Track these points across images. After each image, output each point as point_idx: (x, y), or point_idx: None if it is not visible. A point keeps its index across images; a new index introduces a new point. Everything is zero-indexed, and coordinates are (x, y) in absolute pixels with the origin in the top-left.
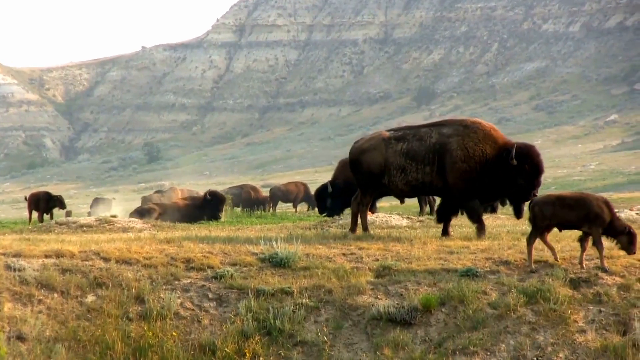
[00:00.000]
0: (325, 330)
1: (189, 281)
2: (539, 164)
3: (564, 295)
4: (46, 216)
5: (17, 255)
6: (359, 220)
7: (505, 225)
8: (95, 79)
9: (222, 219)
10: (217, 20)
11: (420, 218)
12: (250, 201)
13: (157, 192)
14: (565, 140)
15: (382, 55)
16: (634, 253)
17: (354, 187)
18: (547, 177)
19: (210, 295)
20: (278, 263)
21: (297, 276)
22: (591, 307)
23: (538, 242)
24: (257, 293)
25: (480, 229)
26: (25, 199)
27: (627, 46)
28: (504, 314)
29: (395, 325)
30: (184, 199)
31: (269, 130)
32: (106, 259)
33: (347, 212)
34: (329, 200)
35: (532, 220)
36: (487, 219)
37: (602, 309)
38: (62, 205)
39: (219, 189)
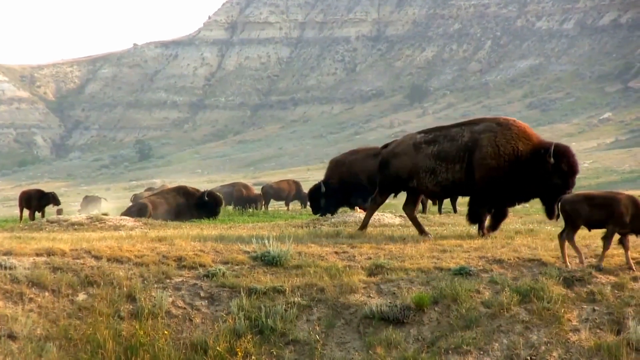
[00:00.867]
0: (318, 329)
1: (180, 280)
2: (575, 164)
3: (557, 294)
4: (37, 214)
5: (8, 253)
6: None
7: None
8: (87, 76)
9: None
10: (209, 18)
11: None
12: (242, 199)
13: (148, 190)
14: (559, 138)
15: (374, 53)
16: None
17: (347, 186)
18: None
19: (202, 294)
20: (270, 261)
21: (289, 275)
22: (585, 306)
23: (533, 241)
24: (249, 291)
25: (494, 229)
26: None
27: (621, 44)
28: (497, 313)
29: (387, 324)
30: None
31: (261, 128)
32: (97, 257)
33: (340, 210)
34: (322, 200)
35: (567, 218)
36: None
37: (596, 308)
38: (56, 201)
39: (211, 186)
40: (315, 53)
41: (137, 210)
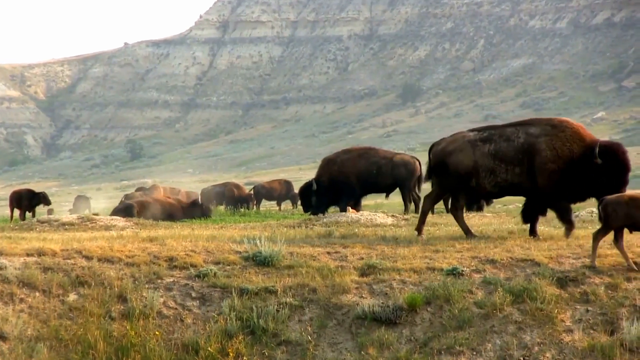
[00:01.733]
0: (310, 329)
1: (171, 280)
2: (625, 162)
3: (550, 294)
4: (28, 214)
5: None
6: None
7: (492, 223)
8: (78, 75)
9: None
10: (201, 17)
11: (406, 216)
12: (234, 199)
13: (139, 189)
14: None
15: (367, 52)
16: None
17: (338, 185)
18: None
19: (193, 294)
20: (262, 262)
21: (281, 275)
22: (578, 307)
23: (526, 241)
24: (240, 292)
25: (570, 229)
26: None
27: (614, 43)
28: (490, 314)
29: (380, 324)
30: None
31: (253, 128)
32: (88, 258)
33: (332, 210)
34: (313, 198)
35: (604, 219)
36: (473, 217)
37: (590, 309)
38: (46, 201)
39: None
40: (307, 52)
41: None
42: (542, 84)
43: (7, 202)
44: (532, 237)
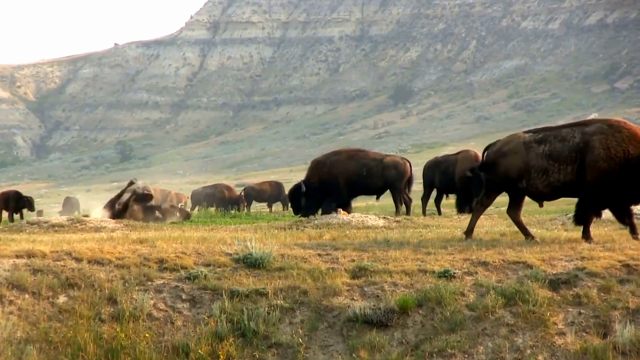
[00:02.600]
0: (301, 332)
1: (162, 282)
2: None
3: (543, 296)
4: (16, 216)
5: None
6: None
7: (484, 225)
8: (67, 76)
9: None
10: (191, 17)
11: (397, 218)
12: (224, 201)
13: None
14: None
15: (358, 53)
16: None
17: (328, 186)
18: None
19: (183, 296)
20: (252, 264)
21: (272, 277)
22: (571, 309)
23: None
24: (231, 294)
25: (633, 231)
26: None
27: (607, 44)
28: (482, 316)
29: (371, 327)
30: None
31: (244, 129)
32: (78, 259)
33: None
34: (303, 200)
35: None
36: (465, 219)
37: (582, 311)
38: (31, 207)
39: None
40: (298, 53)
41: None
42: (534, 86)
43: None
44: (584, 239)
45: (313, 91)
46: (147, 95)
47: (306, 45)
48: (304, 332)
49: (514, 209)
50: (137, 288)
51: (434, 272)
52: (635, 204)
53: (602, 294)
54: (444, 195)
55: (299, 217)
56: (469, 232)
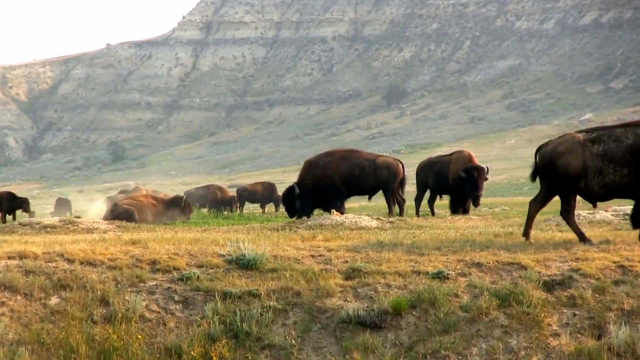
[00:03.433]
0: (294, 333)
1: (154, 283)
2: None
3: (537, 298)
4: (8, 217)
5: None
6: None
7: (478, 226)
8: (59, 77)
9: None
10: (184, 17)
11: (390, 219)
12: (217, 202)
13: (121, 192)
14: (539, 139)
15: (351, 53)
16: None
17: (321, 187)
18: (520, 177)
19: (176, 298)
20: (245, 265)
21: (265, 278)
22: (565, 311)
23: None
24: (223, 295)
25: None
26: None
27: (602, 44)
28: (475, 317)
29: (364, 328)
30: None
31: (236, 130)
32: (70, 261)
33: (317, 213)
34: (297, 202)
35: None
36: (459, 220)
37: (577, 312)
38: (26, 208)
39: (185, 189)
40: (291, 53)
41: None
42: (528, 86)
43: None
44: None
45: (306, 91)
46: (139, 95)
47: (299, 45)
48: (297, 333)
49: (567, 211)
50: (129, 289)
51: (427, 273)
52: None
53: (596, 295)
54: (438, 196)
55: (294, 219)
56: (526, 234)
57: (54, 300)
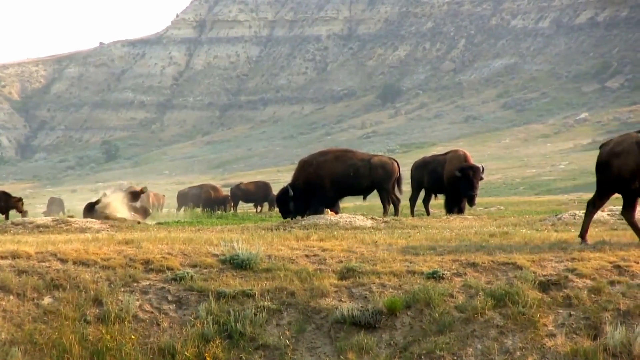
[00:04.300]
0: (288, 333)
1: (147, 283)
2: None
3: (533, 298)
4: (1, 216)
5: None
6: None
7: (473, 226)
8: (52, 75)
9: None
10: (177, 16)
11: (385, 219)
12: (211, 201)
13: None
14: (534, 139)
15: (346, 52)
16: None
17: (315, 187)
18: (515, 176)
19: (169, 298)
20: (239, 265)
21: (259, 278)
22: (561, 311)
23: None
24: (217, 295)
25: None
26: None
27: (598, 43)
28: (471, 318)
29: (359, 328)
30: None
31: (230, 129)
32: (63, 260)
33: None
34: (291, 203)
35: None
36: (454, 219)
37: (573, 313)
38: (20, 208)
39: (179, 188)
40: (285, 52)
41: None
42: (524, 85)
43: None
44: None
45: (300, 90)
46: (132, 94)
47: (293, 44)
48: (291, 333)
49: (628, 211)
50: (122, 289)
51: (422, 273)
52: None
53: (592, 295)
54: (433, 196)
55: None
56: (582, 234)
57: (46, 300)
